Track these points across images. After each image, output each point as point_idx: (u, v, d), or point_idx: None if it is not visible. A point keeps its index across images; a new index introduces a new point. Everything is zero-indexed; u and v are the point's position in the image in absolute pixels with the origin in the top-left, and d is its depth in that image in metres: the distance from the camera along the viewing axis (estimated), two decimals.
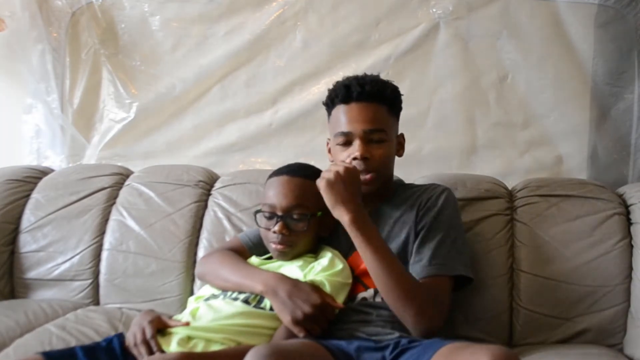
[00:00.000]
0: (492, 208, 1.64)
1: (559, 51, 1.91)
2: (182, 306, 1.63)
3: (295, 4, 2.02)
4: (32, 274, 1.82)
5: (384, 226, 1.43)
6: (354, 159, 1.39)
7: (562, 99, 1.93)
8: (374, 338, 1.29)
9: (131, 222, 1.80)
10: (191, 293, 1.71)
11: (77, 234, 1.82)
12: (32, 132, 2.23)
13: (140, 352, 1.27)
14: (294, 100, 2.06)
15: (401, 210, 1.44)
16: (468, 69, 1.97)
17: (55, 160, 2.21)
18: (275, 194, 1.41)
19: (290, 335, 1.28)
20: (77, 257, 1.80)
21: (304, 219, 1.39)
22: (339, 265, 1.38)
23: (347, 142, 1.41)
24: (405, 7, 1.96)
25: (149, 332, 1.28)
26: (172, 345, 1.25)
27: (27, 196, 1.90)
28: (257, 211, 1.45)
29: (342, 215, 1.30)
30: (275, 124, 2.09)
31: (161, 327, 1.31)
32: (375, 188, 1.42)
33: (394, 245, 1.39)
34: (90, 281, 1.79)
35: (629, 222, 1.58)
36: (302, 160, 2.00)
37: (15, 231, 1.86)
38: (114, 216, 1.83)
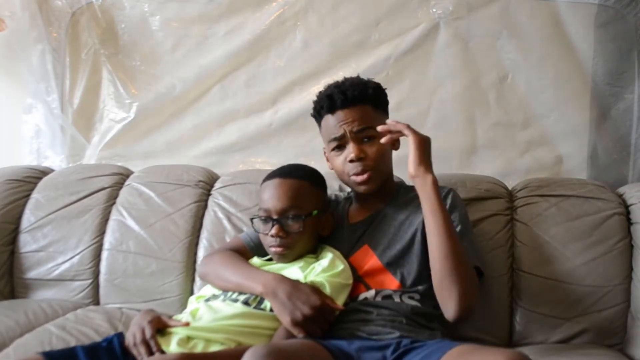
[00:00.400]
0: (492, 208, 1.64)
1: (559, 51, 1.91)
2: (182, 306, 1.63)
3: (295, 4, 2.02)
4: (32, 274, 1.82)
5: (389, 228, 1.43)
6: (350, 161, 1.41)
7: (562, 99, 1.93)
8: (375, 337, 1.29)
9: (131, 222, 1.80)
10: (191, 293, 1.71)
11: (77, 234, 1.82)
12: (32, 132, 2.23)
13: (139, 352, 1.27)
14: (294, 100, 2.06)
15: (406, 212, 1.45)
16: (468, 69, 1.97)
17: (55, 160, 2.21)
18: (269, 198, 1.41)
19: (290, 336, 1.28)
20: (77, 257, 1.80)
21: (299, 219, 1.39)
22: (340, 266, 1.38)
23: (341, 147, 1.44)
24: (405, 7, 1.97)
25: (148, 332, 1.28)
26: (172, 346, 1.25)
27: (27, 196, 1.90)
28: (254, 217, 1.45)
29: (426, 175, 1.33)
30: (275, 124, 2.09)
31: (161, 327, 1.31)
32: (376, 186, 1.43)
33: (399, 246, 1.40)
34: (90, 281, 1.79)
35: (629, 222, 1.58)
36: (302, 160, 2.00)
37: (15, 231, 1.86)
38: (114, 216, 1.83)
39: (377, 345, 1.25)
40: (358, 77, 1.51)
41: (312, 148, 2.03)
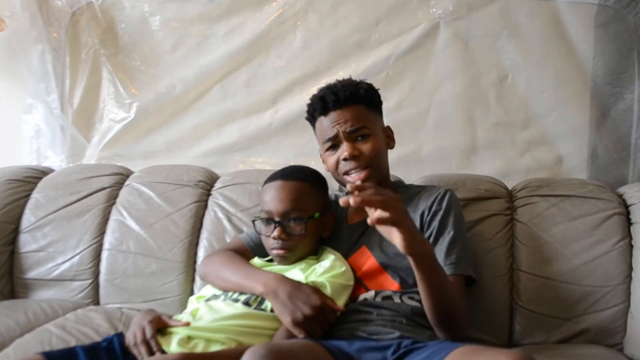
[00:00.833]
0: (492, 208, 1.64)
1: (559, 51, 1.91)
2: (182, 306, 1.63)
3: (295, 4, 2.02)
4: (32, 274, 1.82)
5: None
6: (344, 159, 1.42)
7: (562, 99, 1.93)
8: (375, 337, 1.28)
9: (131, 222, 1.80)
10: (191, 293, 1.71)
11: (77, 234, 1.82)
12: (32, 132, 2.23)
13: (140, 351, 1.27)
14: (294, 100, 2.06)
15: None
16: (468, 69, 1.97)
17: (55, 160, 2.21)
18: (271, 200, 1.41)
19: (291, 336, 1.28)
20: (77, 257, 1.80)
21: (301, 222, 1.39)
22: (341, 267, 1.38)
23: (335, 147, 1.45)
24: (405, 7, 1.96)
25: (149, 332, 1.28)
26: (173, 345, 1.25)
27: (27, 196, 1.90)
28: (256, 218, 1.45)
29: (423, 247, 1.17)
30: (275, 124, 2.09)
31: (161, 327, 1.31)
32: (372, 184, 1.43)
33: (395, 248, 1.39)
34: (90, 281, 1.79)
35: (629, 222, 1.58)
36: (302, 160, 2.01)
37: (15, 231, 1.86)
38: (114, 216, 1.83)
39: (377, 345, 1.25)
40: (350, 78, 1.53)
41: (312, 148, 2.02)
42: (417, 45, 1.98)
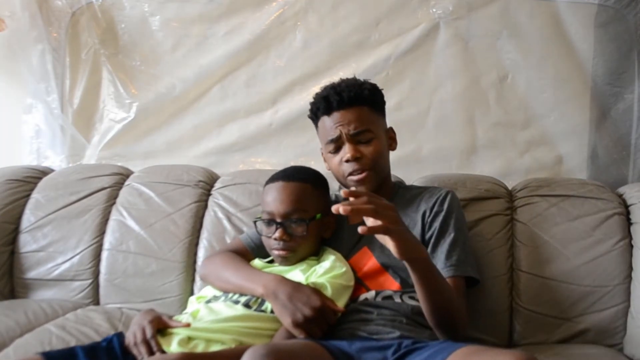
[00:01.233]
0: (492, 208, 1.64)
1: (559, 51, 1.91)
2: (182, 306, 1.63)
3: (295, 4, 2.02)
4: (32, 274, 1.82)
5: None
6: (346, 161, 1.42)
7: (562, 99, 1.93)
8: (375, 337, 1.29)
9: (131, 222, 1.80)
10: (191, 293, 1.71)
11: (77, 234, 1.81)
12: (32, 132, 2.23)
13: (140, 351, 1.27)
14: (294, 100, 2.06)
15: (404, 212, 1.45)
16: (468, 69, 1.97)
17: (55, 160, 2.21)
18: (273, 201, 1.41)
19: (291, 336, 1.28)
20: (77, 257, 1.80)
21: (303, 223, 1.39)
22: (341, 267, 1.38)
23: (337, 148, 1.45)
24: (405, 7, 1.96)
25: (149, 332, 1.28)
26: (173, 346, 1.25)
27: (27, 196, 1.90)
28: (257, 219, 1.45)
29: (417, 253, 1.18)
30: (275, 124, 2.09)
31: (161, 327, 1.31)
32: (373, 187, 1.43)
33: None
34: (90, 281, 1.79)
35: (629, 222, 1.58)
36: (302, 160, 2.01)
37: (15, 231, 1.85)
38: (114, 216, 1.83)
39: (377, 345, 1.24)
40: (354, 78, 1.52)
41: (312, 148, 2.03)
42: (417, 45, 1.98)
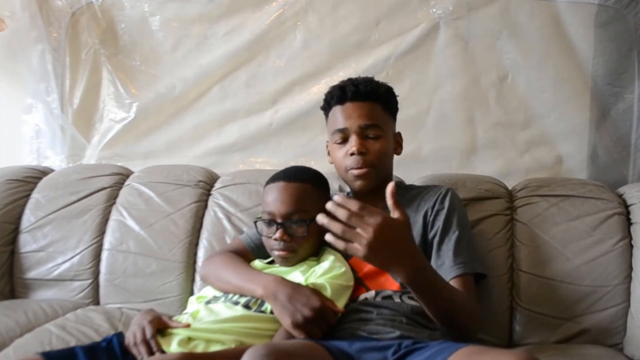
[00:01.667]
0: (492, 208, 1.64)
1: (559, 51, 1.91)
2: (182, 306, 1.63)
3: (295, 4, 2.02)
4: (32, 274, 1.82)
5: None
6: (351, 154, 1.42)
7: (562, 99, 1.93)
8: (375, 337, 1.29)
9: (131, 222, 1.80)
10: (191, 293, 1.71)
11: (77, 234, 1.82)
12: (32, 132, 2.22)
13: (140, 351, 1.27)
14: (294, 100, 2.06)
15: (407, 211, 1.44)
16: (468, 69, 1.97)
17: (55, 160, 2.20)
18: (273, 201, 1.41)
19: (290, 337, 1.27)
20: (77, 257, 1.80)
21: (304, 224, 1.39)
22: (341, 268, 1.38)
23: (344, 139, 1.45)
24: (405, 7, 1.96)
25: (149, 332, 1.28)
26: (173, 346, 1.25)
27: (27, 196, 1.90)
28: (257, 219, 1.45)
29: (401, 273, 1.15)
30: (275, 124, 2.09)
31: (161, 327, 1.31)
32: (372, 185, 1.44)
33: None
34: (90, 281, 1.79)
35: (629, 222, 1.58)
36: (302, 160, 2.01)
37: (15, 231, 1.86)
38: (114, 216, 1.83)
39: (378, 345, 1.24)
40: (372, 77, 1.52)
41: (312, 148, 2.04)
42: (417, 45, 1.98)
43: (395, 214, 1.14)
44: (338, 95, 1.46)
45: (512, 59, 1.94)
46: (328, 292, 1.31)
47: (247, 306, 1.34)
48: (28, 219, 1.86)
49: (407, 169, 1.81)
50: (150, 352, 1.26)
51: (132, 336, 1.30)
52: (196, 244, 1.76)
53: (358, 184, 1.44)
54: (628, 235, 1.56)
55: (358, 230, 1.08)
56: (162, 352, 1.25)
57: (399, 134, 1.54)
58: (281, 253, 1.40)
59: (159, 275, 1.74)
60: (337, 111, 1.47)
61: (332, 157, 1.51)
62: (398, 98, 1.54)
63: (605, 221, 1.57)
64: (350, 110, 1.44)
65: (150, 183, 1.87)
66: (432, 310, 1.24)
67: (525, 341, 1.55)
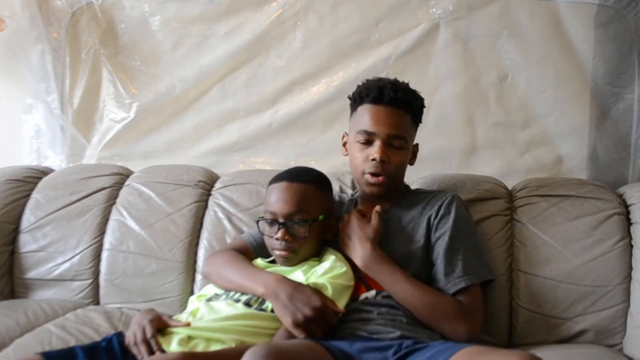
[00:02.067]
0: (491, 208, 1.64)
1: (559, 51, 1.91)
2: (182, 306, 1.63)
3: (295, 4, 2.02)
4: (32, 274, 1.82)
5: (393, 230, 1.44)
6: (372, 160, 1.42)
7: (562, 99, 1.93)
8: (375, 337, 1.29)
9: (131, 222, 1.80)
10: (191, 293, 1.71)
11: (77, 234, 1.81)
12: (32, 132, 2.22)
13: (140, 350, 1.27)
14: (294, 100, 2.06)
15: (411, 214, 1.47)
16: (468, 69, 1.97)
17: (55, 160, 2.20)
18: (276, 201, 1.41)
19: (291, 336, 1.28)
20: (77, 257, 1.80)
21: (306, 224, 1.39)
22: (342, 267, 1.38)
23: (368, 142, 1.44)
24: (405, 7, 1.96)
25: (149, 331, 1.28)
26: (173, 345, 1.25)
27: (27, 196, 1.90)
28: (260, 218, 1.45)
29: (356, 262, 1.39)
30: (275, 124, 2.08)
31: (161, 327, 1.31)
32: (383, 191, 1.45)
33: (401, 248, 1.41)
34: (90, 281, 1.79)
35: (628, 222, 1.58)
36: (302, 160, 2.01)
37: (15, 231, 1.85)
38: (114, 216, 1.83)
39: (378, 345, 1.25)
40: (408, 84, 1.52)
41: (312, 148, 2.04)
42: (417, 45, 1.98)
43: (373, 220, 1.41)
44: (375, 95, 1.44)
45: (512, 59, 1.94)
46: (329, 292, 1.32)
47: (248, 304, 1.35)
48: (28, 219, 1.86)
49: (406, 169, 1.81)
50: (151, 352, 1.26)
51: (132, 336, 1.30)
52: (196, 244, 1.76)
53: (370, 189, 1.45)
54: (628, 235, 1.56)
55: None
56: (162, 351, 1.25)
57: (417, 145, 1.55)
58: (282, 253, 1.40)
59: (159, 275, 1.74)
60: (367, 110, 1.45)
61: (349, 153, 1.50)
62: None
63: (605, 221, 1.57)
64: (382, 114, 1.43)
65: (150, 183, 1.87)
66: (402, 302, 1.34)
67: (525, 341, 1.54)
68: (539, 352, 1.40)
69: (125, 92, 2.15)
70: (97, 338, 1.47)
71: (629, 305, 1.50)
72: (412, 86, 1.99)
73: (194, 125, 2.14)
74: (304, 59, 2.04)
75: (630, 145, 1.88)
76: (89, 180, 1.90)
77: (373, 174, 1.43)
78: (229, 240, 1.71)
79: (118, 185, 1.89)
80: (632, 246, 1.55)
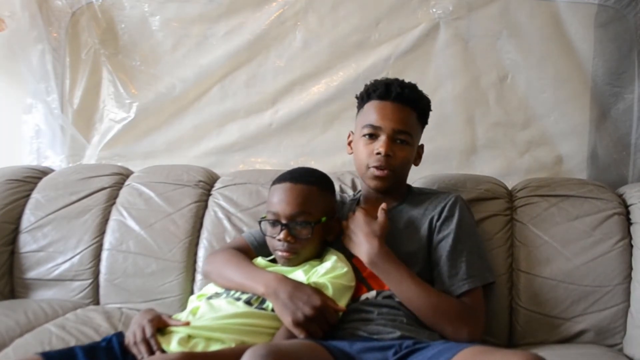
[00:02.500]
0: (492, 208, 1.64)
1: (559, 51, 1.91)
2: (182, 306, 1.63)
3: (295, 4, 2.02)
4: (32, 274, 1.82)
5: (395, 230, 1.44)
6: (377, 153, 1.42)
7: (562, 99, 1.93)
8: (376, 337, 1.29)
9: (131, 222, 1.80)
10: (191, 293, 1.71)
11: (77, 234, 1.81)
12: (32, 132, 2.22)
13: (140, 350, 1.27)
14: (294, 100, 2.06)
15: (413, 215, 1.47)
16: (468, 69, 1.97)
17: (55, 160, 2.20)
18: (279, 202, 1.41)
19: (291, 336, 1.28)
20: (77, 257, 1.80)
21: (308, 226, 1.39)
22: (343, 268, 1.38)
23: (374, 136, 1.45)
24: (405, 7, 1.96)
25: (149, 331, 1.28)
26: (173, 345, 1.25)
27: (27, 196, 1.90)
28: (262, 219, 1.45)
29: (362, 258, 1.38)
30: (275, 124, 2.08)
31: (161, 326, 1.31)
32: (387, 186, 1.45)
33: (403, 248, 1.41)
34: (90, 281, 1.79)
35: (628, 222, 1.58)
36: (302, 160, 2.01)
37: (15, 231, 1.85)
38: (114, 216, 1.83)
39: (378, 345, 1.25)
40: (416, 85, 1.53)
41: (312, 148, 2.04)
42: (417, 45, 1.98)
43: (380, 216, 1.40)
44: (382, 91, 1.46)
45: (512, 59, 1.94)
46: (330, 292, 1.32)
47: (248, 303, 1.35)
48: (28, 219, 1.86)
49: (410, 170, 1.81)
50: (150, 351, 1.26)
51: (132, 335, 1.30)
52: (196, 244, 1.76)
53: (374, 183, 1.45)
54: (628, 235, 1.56)
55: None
56: (162, 351, 1.25)
57: (422, 146, 1.55)
58: (284, 254, 1.40)
59: (159, 275, 1.74)
60: (374, 106, 1.47)
61: (354, 149, 1.51)
62: None
63: (605, 221, 1.57)
64: (388, 110, 1.45)
65: (150, 183, 1.87)
66: (406, 302, 1.33)
67: (525, 341, 1.55)
68: (539, 352, 1.40)
69: (125, 92, 2.15)
70: (97, 338, 1.47)
71: (629, 305, 1.50)
72: None
73: (194, 125, 2.14)
74: (304, 59, 2.04)
75: (630, 145, 1.88)
76: (89, 180, 1.90)
77: (378, 168, 1.43)
78: (228, 240, 1.70)
79: (118, 185, 1.89)
80: (632, 246, 1.55)
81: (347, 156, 1.60)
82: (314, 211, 1.40)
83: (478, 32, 1.95)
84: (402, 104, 1.45)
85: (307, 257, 1.43)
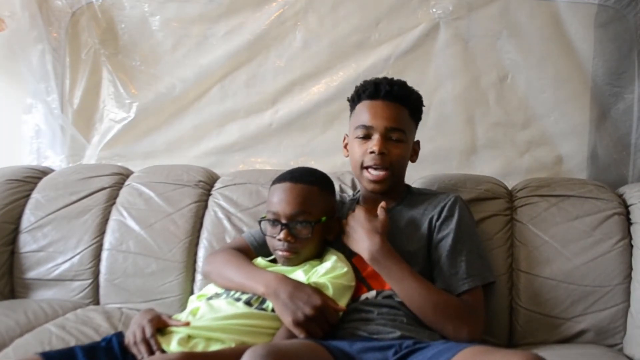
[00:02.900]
0: (492, 208, 1.64)
1: (559, 51, 1.91)
2: (182, 306, 1.63)
3: (295, 4, 2.02)
4: (32, 274, 1.82)
5: (394, 230, 1.44)
6: (371, 152, 1.42)
7: (562, 99, 1.93)
8: (375, 337, 1.29)
9: (131, 222, 1.80)
10: (191, 293, 1.71)
11: (77, 234, 1.81)
12: (32, 132, 2.22)
13: (139, 350, 1.27)
14: (294, 100, 2.06)
15: (412, 214, 1.47)
16: (468, 69, 1.97)
17: (55, 160, 2.20)
18: (279, 201, 1.41)
19: (291, 336, 1.28)
20: (77, 257, 1.80)
21: (308, 225, 1.39)
22: (343, 268, 1.38)
23: (367, 136, 1.45)
24: (405, 7, 1.96)
25: (148, 331, 1.28)
26: (172, 345, 1.25)
27: (27, 196, 1.90)
28: (262, 218, 1.45)
29: (363, 255, 1.37)
30: (275, 124, 2.08)
31: (161, 326, 1.31)
32: (385, 187, 1.44)
33: (402, 248, 1.40)
34: (90, 281, 1.79)
35: (628, 222, 1.58)
36: (302, 160, 2.01)
37: (15, 231, 1.85)
38: (114, 216, 1.83)
39: (378, 345, 1.25)
40: (406, 82, 1.53)
41: (312, 148, 2.04)
42: (417, 45, 1.98)
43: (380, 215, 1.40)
44: (371, 90, 1.47)
45: (512, 59, 1.94)
46: (330, 292, 1.32)
47: (248, 303, 1.35)
48: (28, 219, 1.86)
49: (408, 168, 1.81)
50: (150, 352, 1.26)
51: (132, 335, 1.30)
52: (196, 244, 1.76)
53: (372, 187, 1.46)
54: (628, 235, 1.56)
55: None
56: (162, 351, 1.25)
57: (418, 142, 1.55)
58: (284, 254, 1.40)
59: (159, 275, 1.74)
60: (365, 106, 1.47)
61: (350, 151, 1.51)
62: None
63: (605, 221, 1.57)
64: (379, 108, 1.45)
65: (150, 183, 1.87)
66: (407, 299, 1.33)
67: (525, 341, 1.55)
68: (539, 352, 1.40)
69: (125, 92, 2.15)
70: (97, 338, 1.47)
71: (629, 305, 1.50)
72: (412, 86, 2.00)
73: (194, 125, 2.14)
74: (304, 59, 2.04)
75: (630, 145, 1.88)
76: (89, 180, 1.90)
77: (374, 168, 1.43)
78: (228, 240, 1.71)
79: (118, 185, 1.89)
80: (632, 246, 1.55)
81: None
82: (314, 211, 1.40)
83: (478, 32, 1.95)
84: (392, 102, 1.45)
85: (307, 256, 1.43)
